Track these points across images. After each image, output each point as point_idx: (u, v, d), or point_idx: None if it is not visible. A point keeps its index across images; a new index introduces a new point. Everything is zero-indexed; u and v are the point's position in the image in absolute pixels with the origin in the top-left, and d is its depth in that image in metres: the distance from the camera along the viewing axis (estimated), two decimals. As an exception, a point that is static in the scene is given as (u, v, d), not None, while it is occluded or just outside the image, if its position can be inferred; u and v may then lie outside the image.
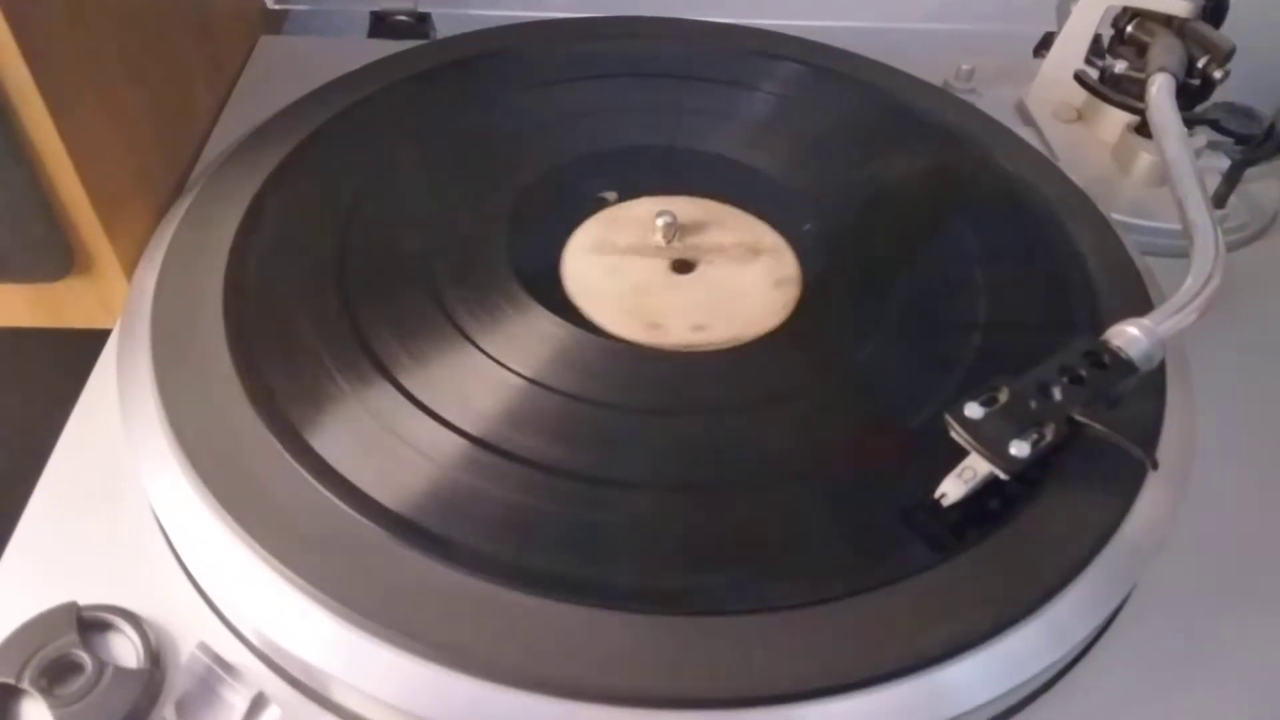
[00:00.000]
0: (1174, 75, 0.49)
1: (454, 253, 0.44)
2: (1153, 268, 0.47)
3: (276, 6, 0.66)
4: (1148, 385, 0.38)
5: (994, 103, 0.58)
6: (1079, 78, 0.56)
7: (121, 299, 0.43)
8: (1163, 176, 0.46)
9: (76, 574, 0.35)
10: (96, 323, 0.45)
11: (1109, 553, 0.35)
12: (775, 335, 0.42)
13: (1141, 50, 0.53)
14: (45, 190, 0.40)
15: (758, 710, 0.31)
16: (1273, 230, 0.53)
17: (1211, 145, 0.52)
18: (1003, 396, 0.34)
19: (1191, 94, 0.51)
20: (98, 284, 0.44)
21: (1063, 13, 0.57)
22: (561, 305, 0.42)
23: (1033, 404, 0.34)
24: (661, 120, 0.52)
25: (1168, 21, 0.53)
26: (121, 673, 0.32)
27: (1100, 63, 0.56)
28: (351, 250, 0.44)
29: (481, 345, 0.40)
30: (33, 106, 0.37)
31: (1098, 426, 0.33)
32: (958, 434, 0.33)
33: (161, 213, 0.47)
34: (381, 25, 0.67)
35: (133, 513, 0.37)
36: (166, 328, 0.40)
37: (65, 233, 0.41)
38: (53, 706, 0.31)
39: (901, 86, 0.55)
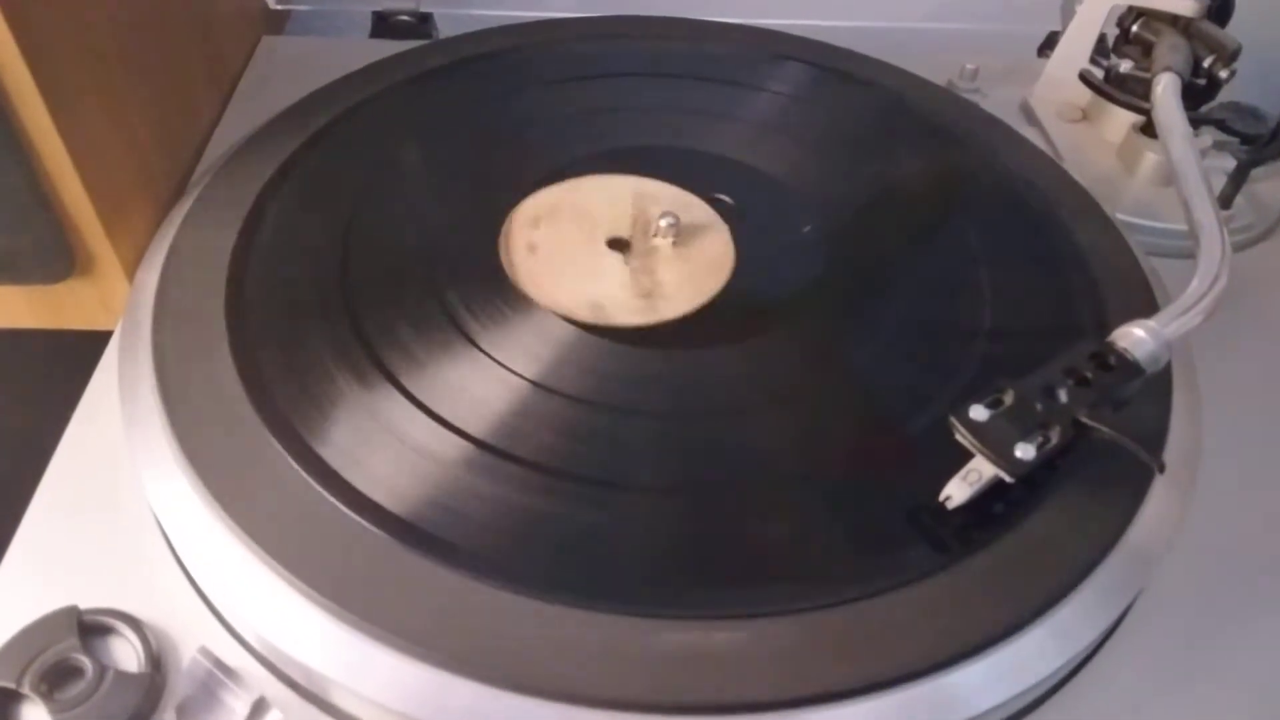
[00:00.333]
0: (1179, 75, 0.49)
1: (456, 254, 0.44)
2: (1158, 268, 0.46)
3: (278, 7, 0.66)
4: (1154, 387, 0.38)
5: (998, 102, 0.57)
6: (1084, 77, 0.55)
7: (123, 300, 0.43)
8: (1168, 177, 0.46)
9: (77, 577, 0.35)
10: (98, 324, 0.44)
11: (1115, 556, 0.34)
12: (777, 338, 0.41)
13: (1147, 50, 0.52)
14: (46, 191, 0.39)
15: (762, 715, 0.31)
16: (1279, 231, 0.53)
17: (1217, 145, 0.51)
18: (1008, 399, 0.34)
19: (1197, 94, 0.51)
20: (99, 285, 0.43)
21: (1067, 12, 0.57)
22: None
23: (1038, 406, 0.33)
24: (664, 120, 0.52)
25: (1173, 21, 0.52)
26: (122, 677, 0.32)
27: (1105, 62, 0.55)
28: (354, 251, 0.43)
29: (483, 347, 0.40)
30: (33, 107, 0.37)
31: (1103, 429, 0.33)
32: (962, 436, 0.33)
33: (163, 213, 0.46)
34: (383, 25, 0.67)
35: (134, 516, 0.37)
36: (168, 329, 0.40)
37: (66, 234, 0.41)
38: (53, 711, 0.31)
39: (905, 86, 0.55)
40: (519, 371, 0.39)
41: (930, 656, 0.31)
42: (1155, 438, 0.38)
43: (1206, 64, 0.51)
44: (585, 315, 0.41)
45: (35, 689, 0.31)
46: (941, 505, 0.34)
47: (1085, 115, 0.58)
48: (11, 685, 0.31)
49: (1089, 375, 0.34)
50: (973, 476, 0.33)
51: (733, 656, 0.31)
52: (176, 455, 0.36)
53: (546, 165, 0.48)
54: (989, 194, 0.49)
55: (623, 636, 0.31)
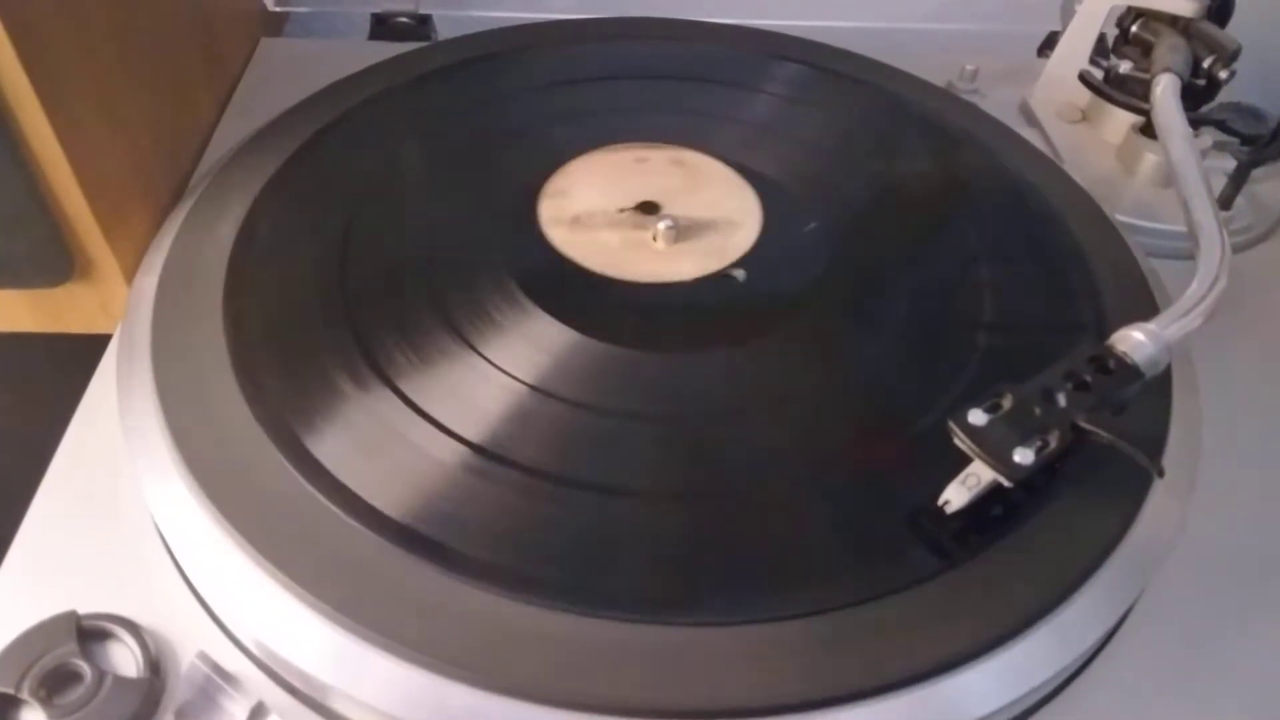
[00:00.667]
0: (1179, 75, 0.49)
1: (455, 256, 0.44)
2: (1158, 270, 0.46)
3: (277, 9, 0.66)
4: (1153, 390, 0.38)
5: (998, 103, 0.57)
6: (1083, 78, 0.55)
7: (122, 304, 0.43)
8: (1168, 178, 0.45)
9: (76, 582, 0.35)
10: (98, 328, 0.44)
11: (1115, 560, 0.34)
12: (775, 339, 0.41)
13: (1146, 50, 0.52)
14: (45, 196, 0.39)
15: (764, 721, 0.30)
16: (1279, 232, 0.53)
17: (1218, 146, 0.51)
18: (1007, 403, 0.34)
19: (1197, 94, 0.51)
20: (98, 289, 0.43)
21: (1067, 12, 0.57)
22: (561, 309, 0.42)
23: (1037, 410, 0.33)
24: (663, 122, 0.52)
25: (1173, 21, 0.52)
26: (121, 682, 0.32)
27: (1105, 63, 0.55)
28: (352, 254, 0.43)
29: (482, 351, 0.40)
30: (31, 112, 0.37)
31: (1102, 433, 0.33)
32: (961, 441, 0.33)
33: (162, 217, 0.46)
34: (382, 27, 0.67)
35: (133, 521, 0.37)
36: (166, 333, 0.40)
37: (65, 238, 0.41)
38: (52, 716, 0.31)
39: (905, 87, 0.55)
40: (517, 375, 0.39)
41: (931, 660, 0.31)
42: (1155, 440, 0.38)
43: (1206, 64, 0.51)
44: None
45: (34, 694, 0.31)
46: (940, 509, 0.34)
47: (1085, 116, 0.58)
48: (10, 690, 0.31)
49: (1088, 379, 0.34)
50: (971, 481, 0.33)
51: (731, 661, 0.31)
52: (175, 460, 0.36)
53: (545, 167, 0.48)
54: (988, 195, 0.49)
55: (620, 641, 0.31)
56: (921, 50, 0.61)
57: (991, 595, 0.33)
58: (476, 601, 0.32)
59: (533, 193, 0.47)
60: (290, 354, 0.39)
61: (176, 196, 0.48)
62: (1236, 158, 0.49)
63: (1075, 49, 0.57)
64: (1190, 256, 0.40)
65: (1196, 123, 0.49)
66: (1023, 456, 0.32)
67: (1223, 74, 0.51)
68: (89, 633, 0.33)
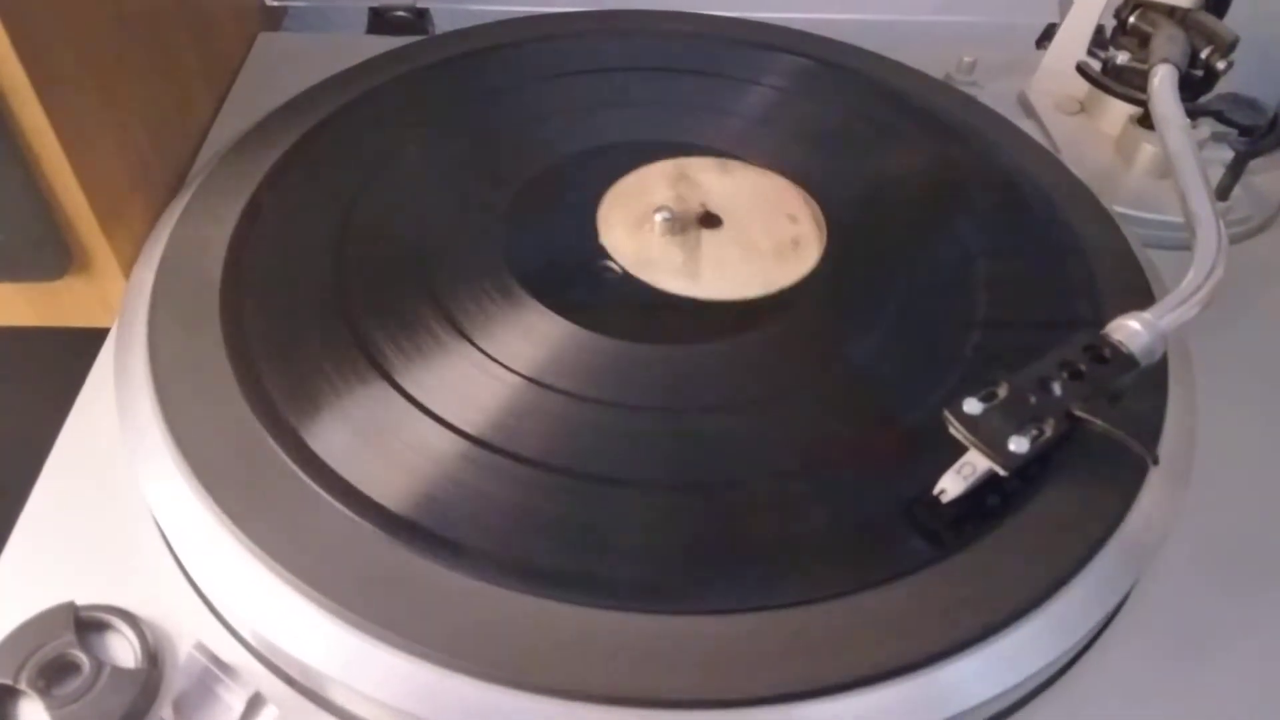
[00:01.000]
0: (1177, 66, 0.49)
1: (452, 250, 0.44)
2: (1156, 260, 0.46)
3: (275, 3, 0.66)
4: (1150, 380, 0.38)
5: (996, 95, 0.57)
6: (1081, 69, 0.55)
7: (120, 297, 0.43)
8: (1165, 169, 0.45)
9: (74, 574, 0.35)
10: (96, 321, 0.45)
11: (1110, 549, 0.34)
12: (770, 335, 0.41)
13: (1144, 41, 0.52)
14: (42, 189, 0.40)
15: (760, 709, 0.31)
16: (1277, 222, 0.53)
17: (1215, 137, 0.51)
18: (1002, 392, 0.34)
19: (1195, 85, 0.51)
20: (96, 282, 0.44)
21: (1065, 4, 0.57)
22: (559, 303, 0.42)
23: (1032, 399, 0.33)
24: (662, 114, 0.52)
25: (1170, 12, 0.52)
26: (119, 673, 0.32)
27: (1102, 54, 0.55)
28: (350, 248, 0.43)
29: (479, 343, 0.40)
30: (29, 105, 0.37)
31: (1097, 422, 0.33)
32: (956, 430, 0.33)
33: (159, 210, 0.47)
34: (380, 21, 0.67)
35: (130, 512, 0.37)
36: (164, 326, 0.40)
37: (63, 231, 0.41)
38: (50, 707, 0.31)
39: (903, 79, 0.55)
40: (516, 368, 0.39)
41: (926, 649, 0.31)
42: (1151, 430, 0.38)
43: (1204, 55, 0.51)
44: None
45: (32, 685, 0.32)
46: (936, 499, 0.34)
47: (1083, 107, 0.58)
48: (9, 681, 0.32)
49: (1083, 368, 0.34)
50: (967, 470, 0.33)
51: (729, 651, 0.31)
52: (172, 452, 0.36)
53: (543, 160, 0.48)
54: (986, 187, 0.49)
55: (618, 632, 0.31)
56: (920, 43, 0.61)
57: (986, 584, 0.33)
58: (473, 592, 0.32)
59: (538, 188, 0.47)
60: (287, 346, 0.39)
61: (174, 190, 0.48)
62: (1234, 148, 0.49)
63: (1073, 40, 0.57)
64: (1188, 247, 0.40)
65: (1194, 114, 0.49)
66: (1017, 445, 0.32)
67: (1220, 65, 0.51)
68: (87, 624, 0.33)
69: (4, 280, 0.43)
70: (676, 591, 0.33)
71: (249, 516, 0.34)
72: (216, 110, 0.55)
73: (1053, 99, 0.58)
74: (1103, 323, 0.36)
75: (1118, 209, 0.49)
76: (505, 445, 0.36)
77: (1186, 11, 0.52)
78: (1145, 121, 0.52)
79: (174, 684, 0.33)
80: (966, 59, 0.59)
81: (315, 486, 0.34)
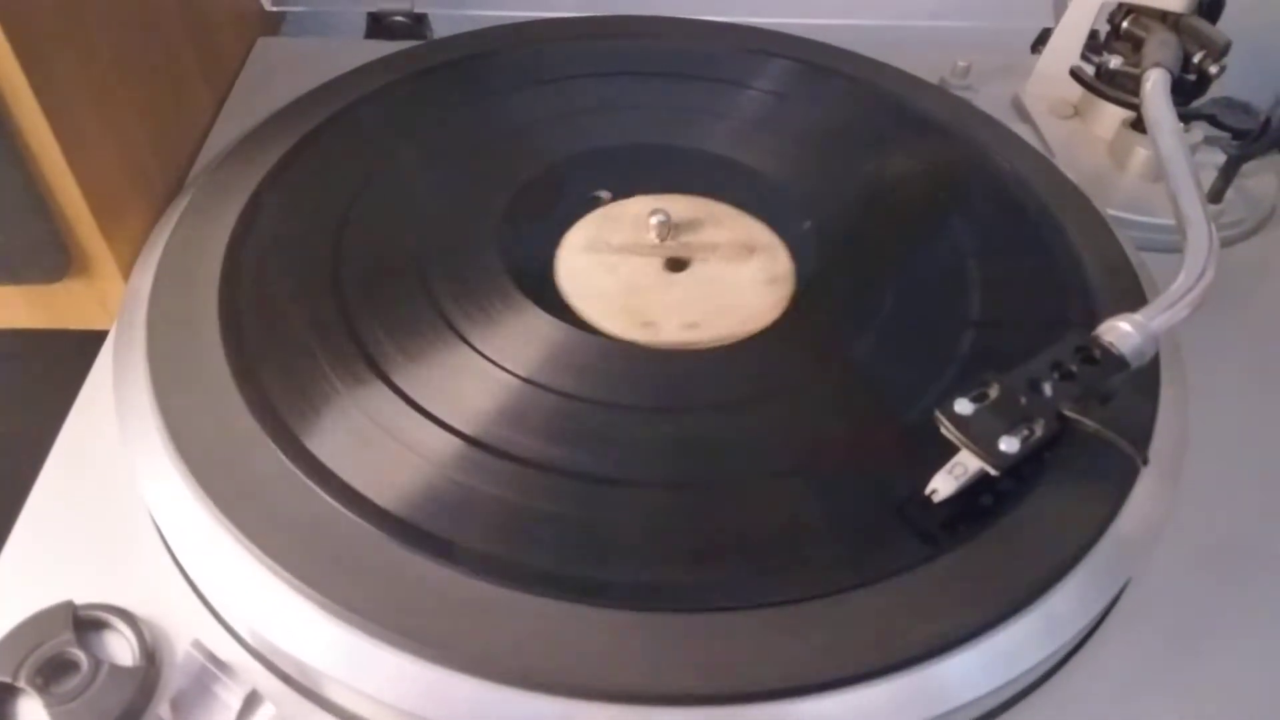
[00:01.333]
0: (1169, 71, 0.49)
1: (450, 253, 0.44)
2: (1149, 263, 0.47)
3: (274, 8, 0.66)
4: (1141, 381, 0.38)
5: (990, 99, 0.58)
6: (1075, 74, 0.56)
7: (119, 299, 0.43)
8: (1158, 172, 0.46)
9: (72, 573, 0.36)
10: (95, 323, 0.45)
11: (1102, 548, 0.35)
12: (767, 334, 0.42)
13: (1137, 46, 0.53)
14: (42, 192, 0.40)
15: (753, 706, 0.31)
16: (1270, 225, 0.53)
17: (1208, 140, 0.52)
18: (993, 392, 0.34)
19: (1188, 89, 0.51)
20: (95, 285, 0.44)
21: (1059, 9, 0.57)
22: (556, 305, 0.42)
23: (1023, 400, 0.34)
24: (658, 119, 0.52)
25: (1163, 17, 0.53)
26: (117, 671, 0.32)
27: (1096, 59, 0.55)
28: (348, 251, 0.44)
29: (477, 345, 0.40)
30: (28, 109, 0.38)
31: (1086, 422, 0.33)
32: (948, 430, 0.33)
33: (158, 213, 0.47)
34: (378, 26, 0.67)
35: (128, 512, 0.37)
36: (162, 328, 0.40)
37: (62, 234, 0.41)
38: (49, 704, 0.31)
39: (898, 83, 0.55)
40: (512, 369, 0.39)
41: (919, 646, 0.32)
42: (1143, 431, 0.38)
43: (1197, 60, 0.51)
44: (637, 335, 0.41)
45: (31, 682, 0.32)
46: (928, 498, 0.34)
47: (1077, 111, 0.58)
48: (8, 679, 0.32)
49: (1074, 369, 0.34)
50: (958, 470, 0.34)
51: (724, 648, 0.31)
52: (170, 452, 0.36)
53: (539, 164, 0.49)
54: (980, 190, 0.49)
55: (614, 630, 0.32)
56: (915, 47, 0.61)
57: (978, 582, 0.33)
58: (470, 591, 0.32)
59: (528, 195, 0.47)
60: (285, 348, 0.39)
61: (173, 193, 0.49)
62: (1226, 152, 0.50)
63: (1067, 45, 0.57)
64: (1180, 249, 0.40)
65: (1187, 117, 0.50)
66: (1008, 445, 0.33)
67: (1213, 69, 0.51)
68: (85, 622, 0.34)
69: (3, 282, 0.43)
70: (672, 590, 0.33)
71: (247, 516, 0.34)
72: (215, 114, 0.56)
73: (1047, 103, 0.58)
74: (1095, 324, 0.37)
75: (1111, 212, 0.49)
76: (502, 445, 0.36)
77: (1179, 16, 0.52)
78: (1138, 125, 0.53)
79: (171, 682, 0.33)
80: (961, 63, 0.59)
81: (313, 486, 0.34)
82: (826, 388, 0.40)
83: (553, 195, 0.48)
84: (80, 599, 0.34)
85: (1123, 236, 0.48)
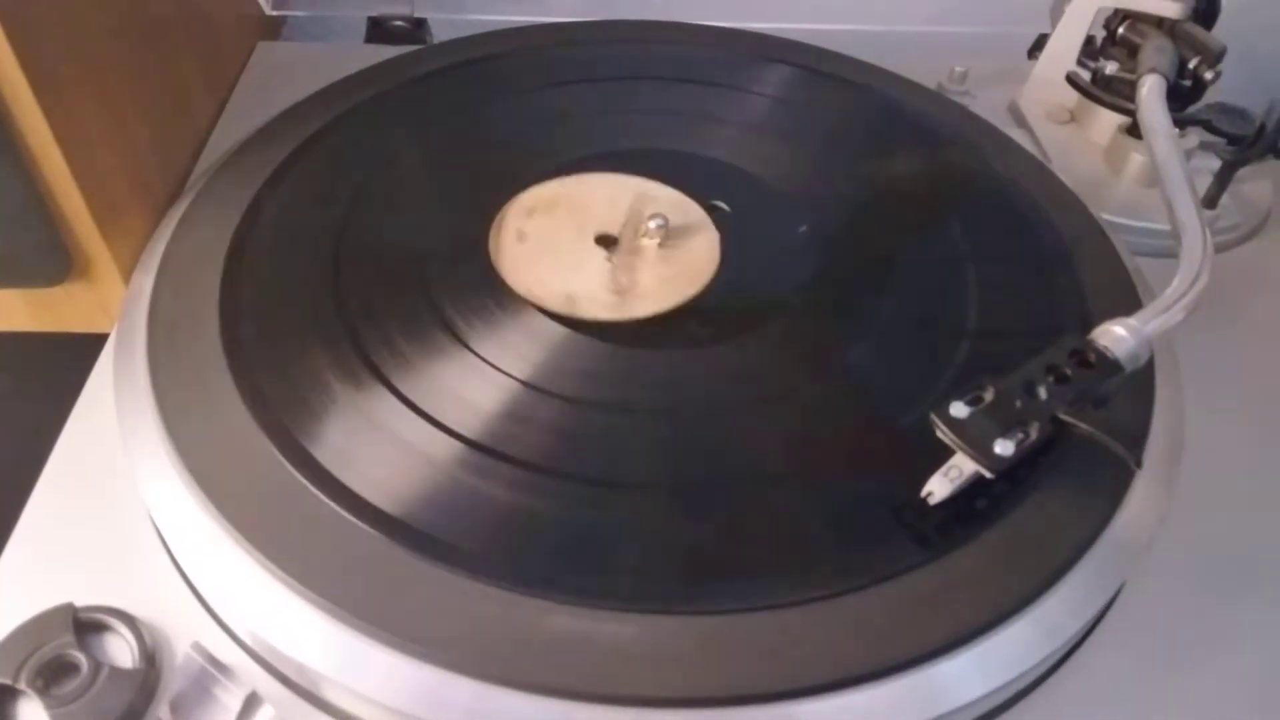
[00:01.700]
0: (1165, 76, 0.49)
1: (449, 257, 0.44)
2: (1144, 268, 0.47)
3: (274, 13, 0.67)
4: (1137, 385, 0.38)
5: (987, 105, 0.58)
6: (1071, 79, 0.56)
7: (119, 303, 0.43)
8: (1154, 177, 0.46)
9: (73, 576, 0.36)
10: (95, 327, 0.45)
11: (1097, 551, 0.35)
12: (767, 335, 0.42)
13: (1133, 52, 0.53)
14: (42, 196, 0.40)
15: (752, 708, 0.31)
16: (1265, 230, 0.53)
17: (1203, 146, 0.52)
18: (988, 396, 0.34)
19: (1183, 95, 0.52)
20: (96, 288, 0.44)
21: (1056, 15, 0.58)
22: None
23: (1018, 403, 0.34)
24: (656, 124, 0.53)
25: (1159, 23, 0.53)
26: (117, 673, 0.32)
27: (1092, 64, 0.56)
28: (347, 255, 0.44)
29: (476, 349, 0.40)
30: (30, 112, 0.38)
31: (1081, 425, 0.33)
32: (943, 433, 0.34)
33: (159, 217, 0.47)
34: (378, 31, 0.67)
35: (129, 515, 0.37)
36: (162, 331, 0.40)
37: (63, 238, 0.41)
38: (49, 706, 0.32)
39: (895, 89, 0.56)
40: (511, 373, 0.39)
41: (914, 649, 0.32)
42: (1138, 434, 0.38)
43: (1192, 65, 0.51)
44: (557, 306, 0.42)
45: (31, 684, 0.32)
46: (923, 501, 0.34)
47: (1073, 117, 0.58)
48: (8, 681, 0.32)
49: (1069, 372, 0.35)
50: (954, 473, 0.34)
51: (721, 650, 0.32)
52: (171, 455, 0.36)
53: (538, 169, 0.49)
54: (977, 195, 0.50)
55: (613, 632, 0.32)
56: (913, 53, 0.61)
57: (974, 585, 0.33)
58: (469, 592, 0.32)
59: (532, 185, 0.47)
60: (285, 351, 0.39)
61: (173, 197, 0.49)
62: (1221, 157, 0.50)
63: (1063, 51, 0.57)
64: (1175, 254, 0.40)
65: (1183, 123, 0.50)
66: (1003, 448, 0.33)
67: (1208, 75, 0.51)
68: (85, 625, 0.34)
69: (4, 286, 0.43)
70: (669, 592, 0.33)
71: (246, 519, 0.34)
72: (216, 118, 0.56)
73: (1043, 108, 0.59)
74: (1091, 329, 0.37)
75: (1107, 217, 0.50)
76: (501, 448, 0.37)
77: (1175, 22, 0.52)
78: (1134, 131, 0.53)
79: (171, 684, 0.33)
80: (958, 69, 0.59)
81: (313, 489, 0.35)
82: (823, 391, 0.40)
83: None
84: (80, 601, 0.34)
85: (1118, 241, 0.48)
